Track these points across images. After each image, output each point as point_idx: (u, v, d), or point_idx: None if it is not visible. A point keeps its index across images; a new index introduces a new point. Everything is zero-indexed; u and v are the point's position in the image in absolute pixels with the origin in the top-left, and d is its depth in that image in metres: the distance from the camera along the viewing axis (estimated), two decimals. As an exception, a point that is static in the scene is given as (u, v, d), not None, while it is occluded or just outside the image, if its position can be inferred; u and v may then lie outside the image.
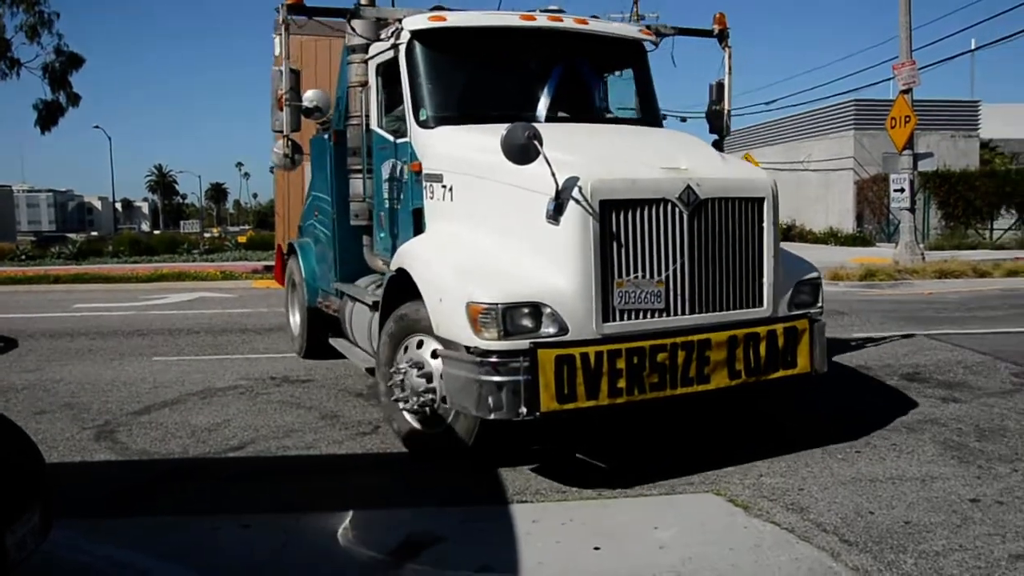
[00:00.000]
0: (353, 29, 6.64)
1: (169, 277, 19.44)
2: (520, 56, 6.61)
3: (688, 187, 5.12)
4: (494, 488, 5.12)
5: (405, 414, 5.61)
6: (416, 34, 6.22)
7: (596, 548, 4.24)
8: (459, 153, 5.82)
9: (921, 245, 20.91)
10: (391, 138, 6.53)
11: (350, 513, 4.71)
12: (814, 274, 5.92)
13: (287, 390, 7.81)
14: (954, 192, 29.65)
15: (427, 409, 5.39)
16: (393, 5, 7.25)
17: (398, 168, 6.44)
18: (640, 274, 5.03)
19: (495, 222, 5.45)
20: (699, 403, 5.72)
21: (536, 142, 4.77)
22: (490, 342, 4.74)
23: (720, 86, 7.38)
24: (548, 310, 4.81)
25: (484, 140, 5.56)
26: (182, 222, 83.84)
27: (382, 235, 6.86)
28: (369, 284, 7.14)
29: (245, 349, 10.14)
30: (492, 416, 4.73)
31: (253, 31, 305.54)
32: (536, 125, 4.91)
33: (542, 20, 6.47)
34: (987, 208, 29.85)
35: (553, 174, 4.81)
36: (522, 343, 4.71)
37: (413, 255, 5.68)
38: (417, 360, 5.42)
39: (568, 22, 6.54)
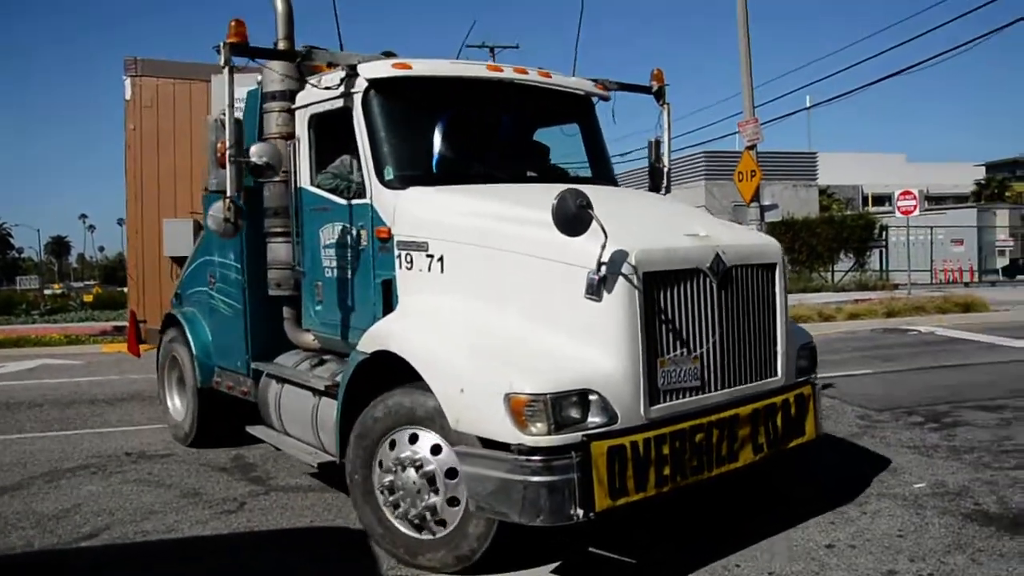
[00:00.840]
0: (281, 73, 6.14)
1: (6, 344, 18.05)
2: (483, 110, 6.27)
3: (717, 255, 4.85)
4: (368, 563, 5.01)
5: (394, 520, 4.93)
6: (375, 83, 5.65)
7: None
8: (450, 219, 5.24)
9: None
10: (335, 199, 5.85)
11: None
12: (810, 338, 5.85)
13: (144, 467, 7.42)
14: (798, 238, 31.72)
15: (427, 514, 4.76)
16: (341, 49, 6.27)
17: (351, 233, 5.76)
18: (681, 351, 4.69)
19: (511, 297, 4.84)
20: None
21: (589, 210, 4.31)
22: (538, 438, 4.16)
23: (659, 143, 7.24)
24: (595, 397, 4.30)
25: (484, 205, 5.25)
26: (18, 278, 78.48)
27: (318, 308, 6.17)
28: (301, 363, 6.36)
29: (96, 423, 9.55)
30: (539, 521, 4.14)
31: (97, 73, 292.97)
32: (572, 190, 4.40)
33: (508, 72, 6.12)
34: (828, 253, 32.06)
35: (604, 245, 4.36)
36: (572, 436, 4.19)
37: (403, 336, 5.00)
38: (414, 459, 4.78)
39: (533, 74, 6.22)
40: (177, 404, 8.41)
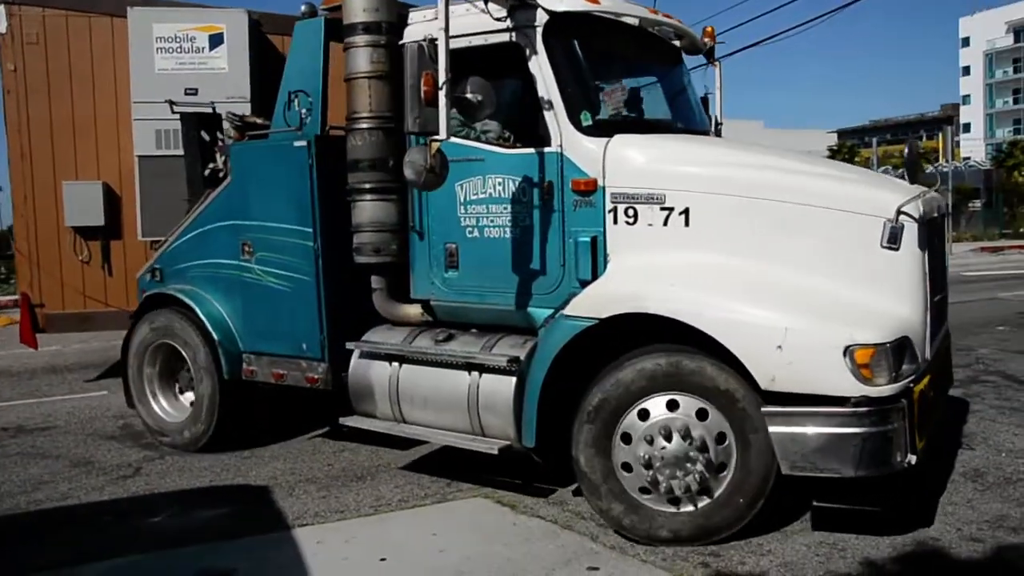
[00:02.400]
0: (377, 2, 5.50)
1: None
2: (640, 55, 5.96)
3: (939, 205, 5.07)
4: (275, 516, 5.20)
5: (640, 497, 4.60)
6: (560, 18, 5.06)
7: (382, 559, 4.50)
8: (697, 170, 4.88)
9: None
10: (490, 148, 5.22)
11: (128, 559, 4.60)
12: None
13: (25, 440, 7.27)
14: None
15: (692, 484, 4.47)
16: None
17: (520, 187, 5.13)
18: (934, 297, 4.82)
19: (784, 250, 4.63)
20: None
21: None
22: (881, 388, 4.14)
23: (707, 100, 6.78)
24: (910, 345, 4.36)
25: (744, 156, 5.11)
26: None
27: (449, 274, 5.45)
28: (415, 339, 5.58)
29: (-36, 400, 9.18)
30: (869, 472, 4.17)
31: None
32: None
33: (671, 18, 5.90)
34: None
35: (909, 195, 4.48)
36: (904, 384, 4.25)
37: (666, 296, 4.54)
38: (679, 425, 4.46)
39: (674, 20, 5.99)
40: (167, 404, 7.03)
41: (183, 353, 6.70)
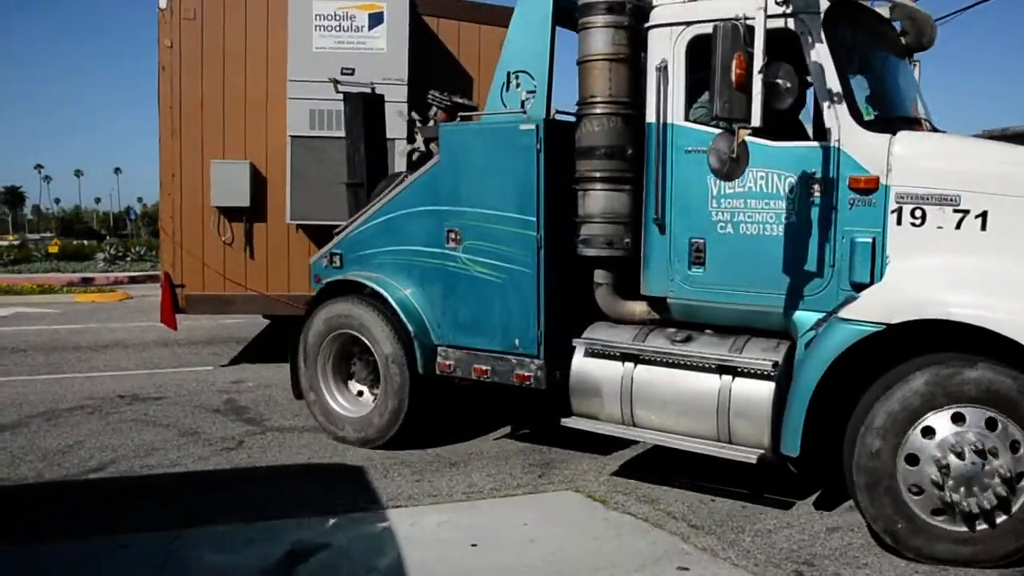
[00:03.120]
0: None
1: (-25, 292, 18.03)
2: (889, 47, 5.68)
3: None
4: (370, 496, 5.34)
5: (928, 517, 4.34)
6: (839, 4, 4.87)
7: (473, 545, 4.57)
8: (994, 171, 4.57)
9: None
10: (754, 140, 4.68)
11: (231, 527, 4.80)
12: None
13: (139, 408, 7.64)
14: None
15: (992, 502, 4.20)
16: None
17: (786, 181, 4.87)
18: None
19: None
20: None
21: None
22: None
23: None
24: None
25: None
26: (-30, 229, 76.41)
27: (694, 271, 5.17)
28: (645, 337, 5.34)
29: (83, 367, 9.71)
30: None
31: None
32: None
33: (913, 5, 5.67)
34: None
35: None
36: None
37: (977, 304, 4.29)
38: (971, 439, 4.21)
39: None
40: (342, 398, 6.62)
41: (368, 344, 6.30)
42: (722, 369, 4.98)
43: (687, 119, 5.18)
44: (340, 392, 6.62)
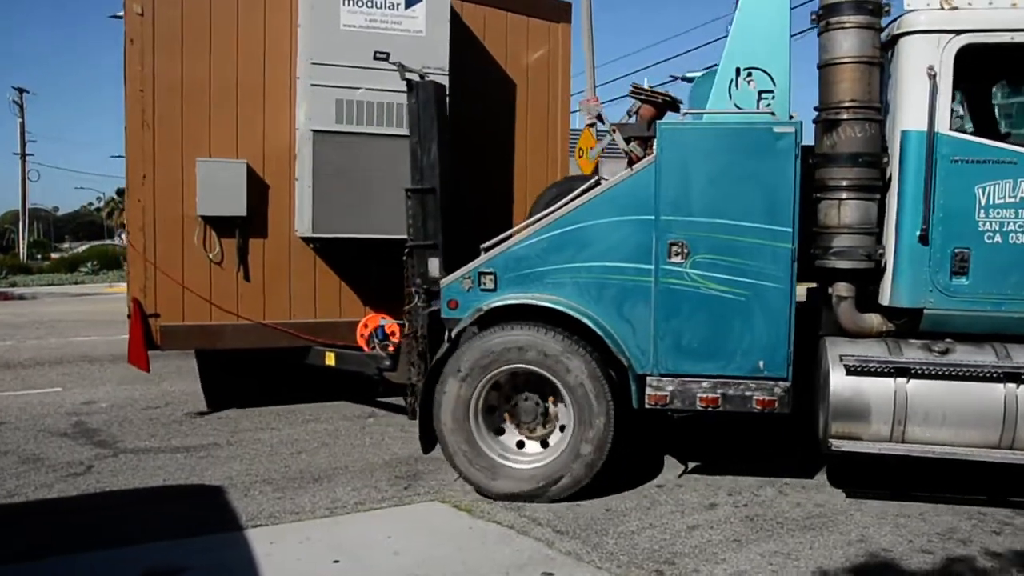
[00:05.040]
0: None
1: None
2: None
3: None
4: (229, 517, 5.12)
5: None
6: None
7: (335, 561, 4.44)
8: None
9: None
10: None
11: (75, 556, 4.49)
12: None
13: (-27, 435, 7.10)
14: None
15: None
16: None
17: None
18: None
19: None
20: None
21: None
22: None
23: None
24: None
25: None
26: None
27: (958, 281, 5.11)
28: (901, 348, 5.22)
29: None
30: None
31: None
32: None
33: None
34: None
35: None
36: None
37: None
38: None
39: None
40: (503, 448, 5.57)
41: (554, 380, 5.37)
42: (1009, 377, 4.99)
43: (950, 129, 5.15)
44: (494, 441, 5.57)
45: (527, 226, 5.65)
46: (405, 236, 6.24)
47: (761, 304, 5.19)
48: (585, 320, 5.31)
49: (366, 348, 6.93)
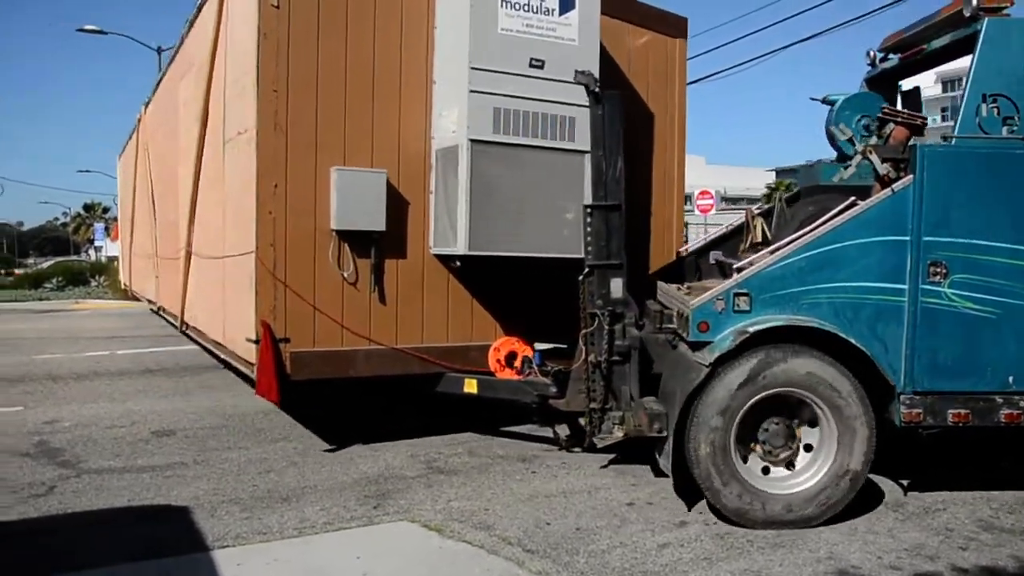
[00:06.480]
0: None
1: None
2: None
3: None
4: (195, 538, 5.03)
5: None
6: None
7: (304, 583, 4.39)
8: None
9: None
10: None
11: (35, 580, 4.40)
12: None
13: (-70, 456, 6.94)
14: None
15: None
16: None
17: None
18: None
19: None
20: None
21: None
22: None
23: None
24: None
25: None
26: None
27: None
28: None
29: None
30: None
31: None
32: None
33: None
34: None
35: None
36: None
37: None
38: None
39: None
40: (757, 473, 5.43)
41: (817, 404, 5.30)
42: None
43: None
44: (744, 468, 5.39)
45: (781, 245, 5.57)
46: (558, 255, 6.22)
47: (1011, 321, 5.40)
48: (854, 342, 5.31)
49: (501, 373, 6.72)
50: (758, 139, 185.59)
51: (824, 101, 6.98)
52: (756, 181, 72.37)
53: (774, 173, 76.51)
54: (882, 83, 7.07)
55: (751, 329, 5.24)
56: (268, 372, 6.18)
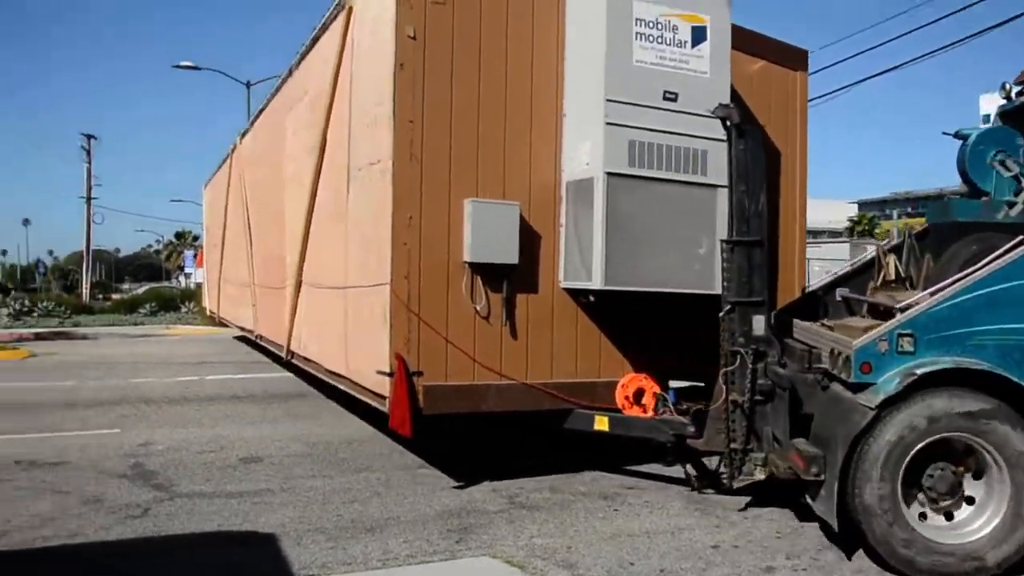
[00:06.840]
0: None
1: None
2: None
3: None
4: (281, 565, 5.13)
5: None
6: None
7: (387, 616, 4.42)
8: None
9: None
10: None
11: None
12: None
13: (36, 475, 7.25)
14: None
15: None
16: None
17: None
18: None
19: None
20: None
21: None
22: None
23: None
24: None
25: None
26: None
27: None
28: None
29: (-23, 431, 9.20)
30: None
31: None
32: None
33: None
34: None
35: None
36: None
37: None
38: None
39: None
40: (921, 523, 5.18)
41: (987, 446, 5.11)
42: None
43: None
44: (910, 516, 5.16)
45: (945, 285, 5.42)
46: (693, 290, 6.21)
47: None
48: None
49: (628, 410, 6.71)
50: (830, 172, 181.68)
51: (956, 136, 6.86)
52: (837, 214, 70.58)
53: (856, 206, 74.70)
54: (1018, 117, 6.85)
55: (919, 371, 5.05)
56: (402, 406, 6.16)
